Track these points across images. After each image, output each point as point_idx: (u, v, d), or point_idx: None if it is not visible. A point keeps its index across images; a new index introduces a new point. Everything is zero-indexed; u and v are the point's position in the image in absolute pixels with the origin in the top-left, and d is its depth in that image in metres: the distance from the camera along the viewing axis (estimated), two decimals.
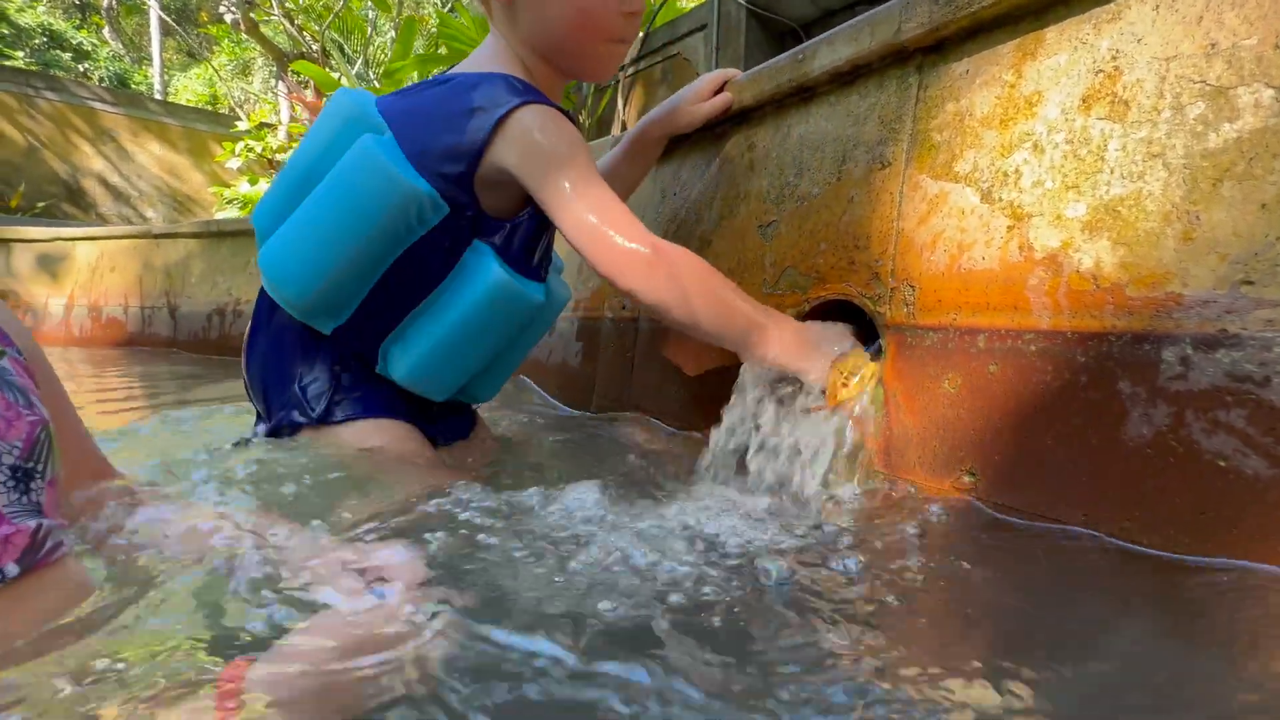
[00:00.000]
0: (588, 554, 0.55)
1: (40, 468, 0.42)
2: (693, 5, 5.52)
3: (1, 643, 0.37)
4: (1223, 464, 0.49)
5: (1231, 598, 0.47)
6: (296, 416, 0.83)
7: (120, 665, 0.36)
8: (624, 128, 4.70)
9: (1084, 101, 0.61)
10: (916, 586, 0.53)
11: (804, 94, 0.91)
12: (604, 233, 0.73)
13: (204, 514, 0.53)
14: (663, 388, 1.11)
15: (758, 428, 0.80)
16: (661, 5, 4.68)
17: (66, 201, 7.55)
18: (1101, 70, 0.60)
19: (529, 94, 0.77)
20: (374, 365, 0.85)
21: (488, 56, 0.86)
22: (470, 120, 0.75)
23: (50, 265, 3.18)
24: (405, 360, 0.82)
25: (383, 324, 0.82)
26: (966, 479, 0.66)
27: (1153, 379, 0.53)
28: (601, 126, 4.78)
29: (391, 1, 6.46)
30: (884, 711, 0.37)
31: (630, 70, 4.71)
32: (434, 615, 0.42)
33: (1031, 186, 0.64)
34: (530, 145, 0.75)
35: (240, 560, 0.46)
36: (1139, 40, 0.57)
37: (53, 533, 0.41)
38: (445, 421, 0.93)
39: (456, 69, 0.88)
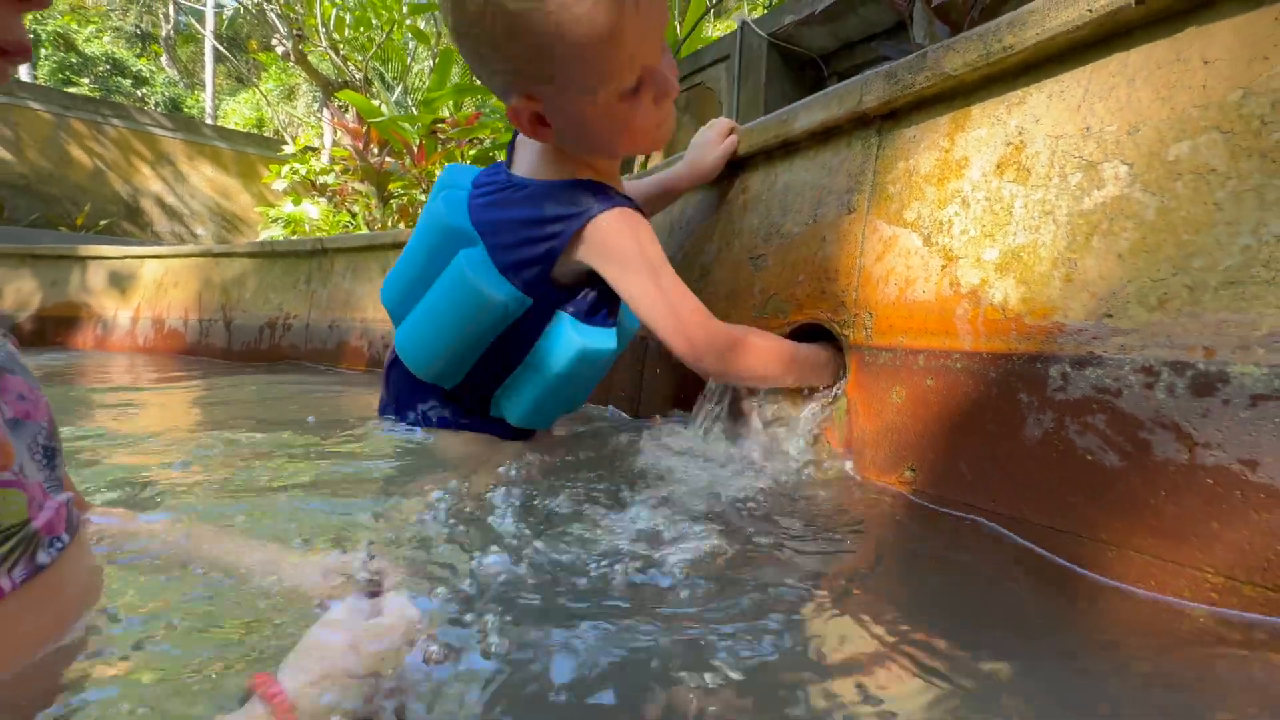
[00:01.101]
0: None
1: (58, 445, 0.45)
2: (717, 36, 5.74)
3: (68, 599, 0.41)
4: (1090, 458, 0.62)
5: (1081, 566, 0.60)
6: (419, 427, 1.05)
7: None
8: (648, 154, 4.90)
9: (998, 167, 0.75)
10: (847, 546, 0.67)
11: (788, 148, 1.07)
12: (683, 325, 0.86)
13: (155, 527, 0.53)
14: (668, 394, 1.26)
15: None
16: (686, 37, 4.90)
17: (126, 220, 8.06)
18: (1010, 143, 0.74)
19: (601, 199, 0.88)
20: (487, 409, 1.03)
21: (550, 160, 0.95)
22: (549, 228, 0.89)
23: (119, 281, 3.48)
24: (514, 409, 1.00)
25: (490, 382, 1.00)
26: (908, 474, 0.80)
27: (1042, 391, 0.67)
28: None
29: (429, 33, 6.83)
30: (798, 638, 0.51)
31: None
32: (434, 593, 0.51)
33: (960, 234, 0.78)
34: (607, 250, 0.88)
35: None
36: (1037, 121, 0.72)
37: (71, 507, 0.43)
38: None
39: (525, 168, 0.97)
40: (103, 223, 7.73)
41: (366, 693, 0.34)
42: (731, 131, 1.16)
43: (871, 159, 0.92)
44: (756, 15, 5.96)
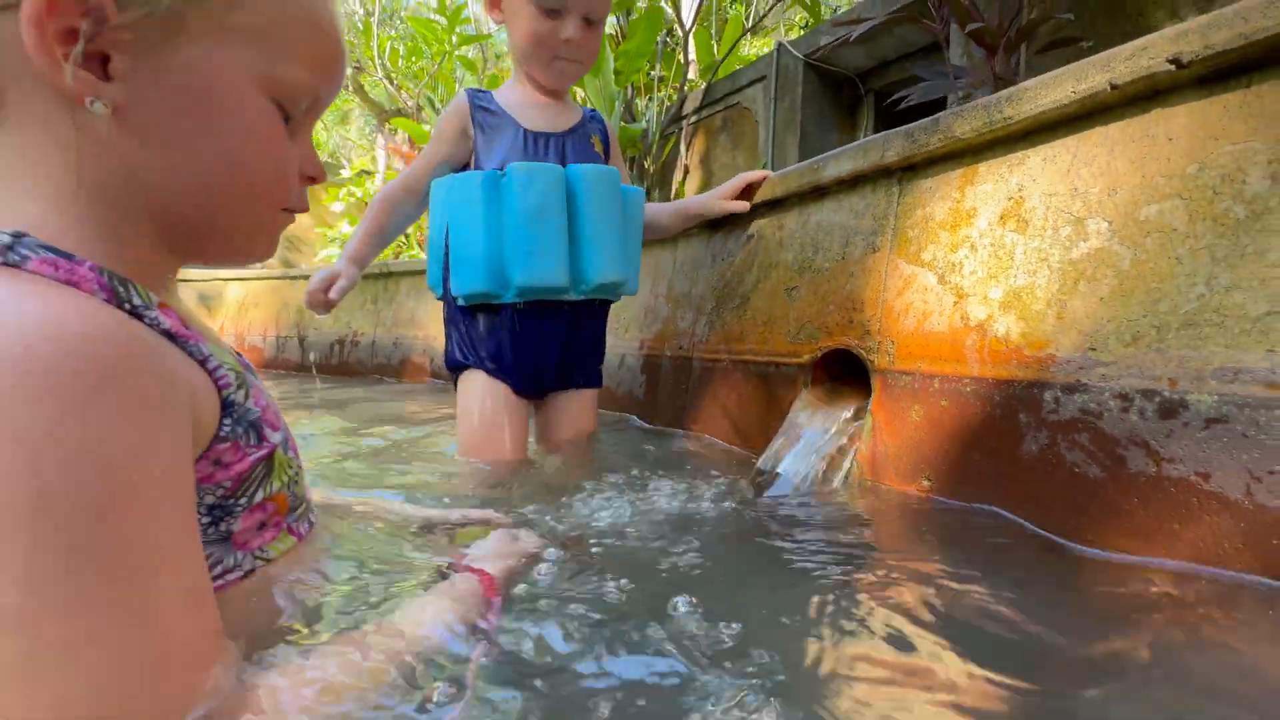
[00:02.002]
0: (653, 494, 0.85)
1: (238, 499, 0.45)
2: (754, 56, 5.88)
3: (317, 550, 0.53)
4: (1077, 470, 0.74)
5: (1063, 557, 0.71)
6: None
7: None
8: (685, 173, 5.07)
9: (1002, 218, 0.87)
10: (879, 546, 0.80)
11: (819, 192, 1.20)
12: None
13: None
14: (710, 412, 1.40)
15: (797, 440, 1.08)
16: (724, 59, 5.05)
17: None
18: (1012, 197, 0.86)
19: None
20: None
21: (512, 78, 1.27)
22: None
23: (207, 301, 3.82)
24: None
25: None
26: (925, 483, 0.92)
27: (1038, 412, 0.78)
28: (665, 170, 5.17)
29: (478, 60, 7.19)
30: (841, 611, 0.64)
31: (693, 119, 5.09)
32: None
33: (969, 274, 0.90)
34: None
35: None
36: (1034, 180, 0.84)
37: (224, 558, 0.44)
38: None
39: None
40: None
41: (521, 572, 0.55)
42: (750, 189, 1.32)
43: (893, 205, 1.05)
44: (793, 36, 6.07)
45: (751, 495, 0.99)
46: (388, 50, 6.99)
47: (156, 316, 0.39)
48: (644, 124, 4.73)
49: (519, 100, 1.20)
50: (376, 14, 7.11)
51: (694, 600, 0.57)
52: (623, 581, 0.61)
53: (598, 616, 0.54)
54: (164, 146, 0.39)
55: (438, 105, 7.48)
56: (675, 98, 5.09)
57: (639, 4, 5.57)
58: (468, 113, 1.18)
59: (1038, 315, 0.81)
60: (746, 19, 5.66)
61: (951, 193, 0.95)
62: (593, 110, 1.30)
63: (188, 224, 0.42)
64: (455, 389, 1.25)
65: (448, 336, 1.25)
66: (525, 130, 1.17)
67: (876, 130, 4.37)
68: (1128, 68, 0.71)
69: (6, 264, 0.34)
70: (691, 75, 5.37)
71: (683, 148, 5.12)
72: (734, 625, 0.54)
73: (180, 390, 0.38)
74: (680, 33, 5.30)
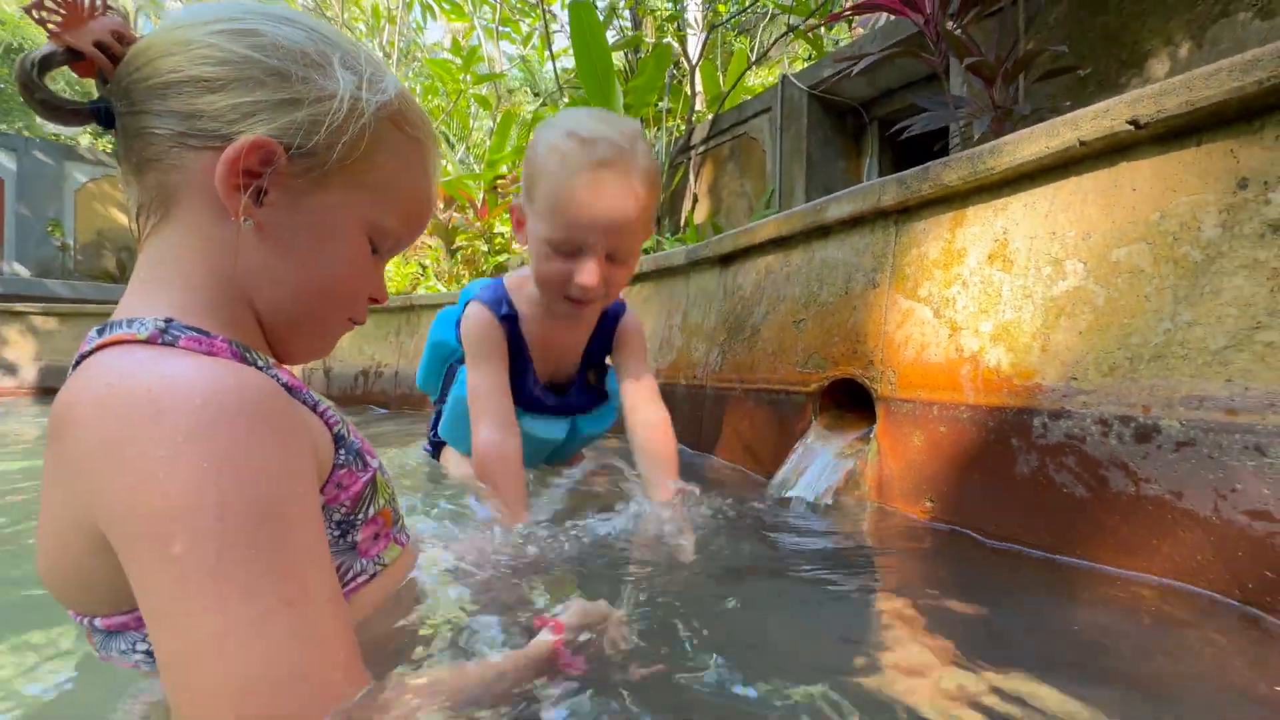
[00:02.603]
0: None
1: (357, 515, 0.53)
2: (760, 87, 6.05)
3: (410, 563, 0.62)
4: (1065, 490, 0.80)
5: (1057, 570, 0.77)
6: None
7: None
8: (695, 201, 5.20)
9: (989, 257, 0.95)
10: (884, 562, 0.86)
11: (823, 231, 1.29)
12: None
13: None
14: (725, 438, 1.47)
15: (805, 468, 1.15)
16: (729, 91, 5.21)
17: None
18: (998, 239, 0.94)
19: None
20: None
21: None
22: None
23: None
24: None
25: None
26: (928, 504, 0.98)
27: (1028, 437, 0.85)
28: (674, 199, 5.31)
29: (490, 97, 7.45)
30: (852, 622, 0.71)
31: (701, 149, 5.24)
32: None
33: (961, 309, 0.98)
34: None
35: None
36: (1017, 224, 0.92)
37: (351, 565, 0.53)
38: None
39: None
40: None
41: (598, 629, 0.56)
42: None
43: (891, 245, 1.13)
44: (797, 68, 6.25)
45: (765, 515, 1.06)
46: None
47: (275, 374, 0.49)
48: (653, 155, 4.89)
49: (537, 318, 1.11)
50: (395, 55, 7.42)
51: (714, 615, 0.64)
52: (649, 596, 0.68)
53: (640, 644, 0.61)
54: (283, 258, 0.50)
55: (452, 140, 7.74)
56: (683, 129, 5.25)
57: (646, 40, 5.78)
58: (496, 324, 1.08)
59: (1025, 347, 0.88)
60: (751, 52, 5.85)
61: (943, 234, 1.03)
62: (617, 312, 1.18)
63: (283, 321, 0.52)
64: (436, 459, 1.32)
65: (437, 414, 1.29)
66: (536, 380, 1.16)
67: (881, 156, 4.47)
68: (1093, 127, 0.79)
69: (164, 342, 0.44)
70: (699, 107, 5.54)
71: (691, 177, 5.26)
72: (749, 633, 0.61)
73: (302, 425, 0.47)
74: (687, 66, 5.49)
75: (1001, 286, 0.92)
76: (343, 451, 0.52)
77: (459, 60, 6.40)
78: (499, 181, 5.57)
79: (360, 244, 0.54)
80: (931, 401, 1.00)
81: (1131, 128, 0.76)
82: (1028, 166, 0.88)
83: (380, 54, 7.44)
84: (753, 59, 5.56)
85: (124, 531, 0.38)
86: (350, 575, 0.53)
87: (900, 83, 4.22)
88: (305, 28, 0.52)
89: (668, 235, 4.47)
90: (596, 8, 4.56)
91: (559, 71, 6.10)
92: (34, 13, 0.48)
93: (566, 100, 5.47)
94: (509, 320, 1.09)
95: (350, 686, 0.40)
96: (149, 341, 0.44)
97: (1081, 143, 0.81)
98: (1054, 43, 2.80)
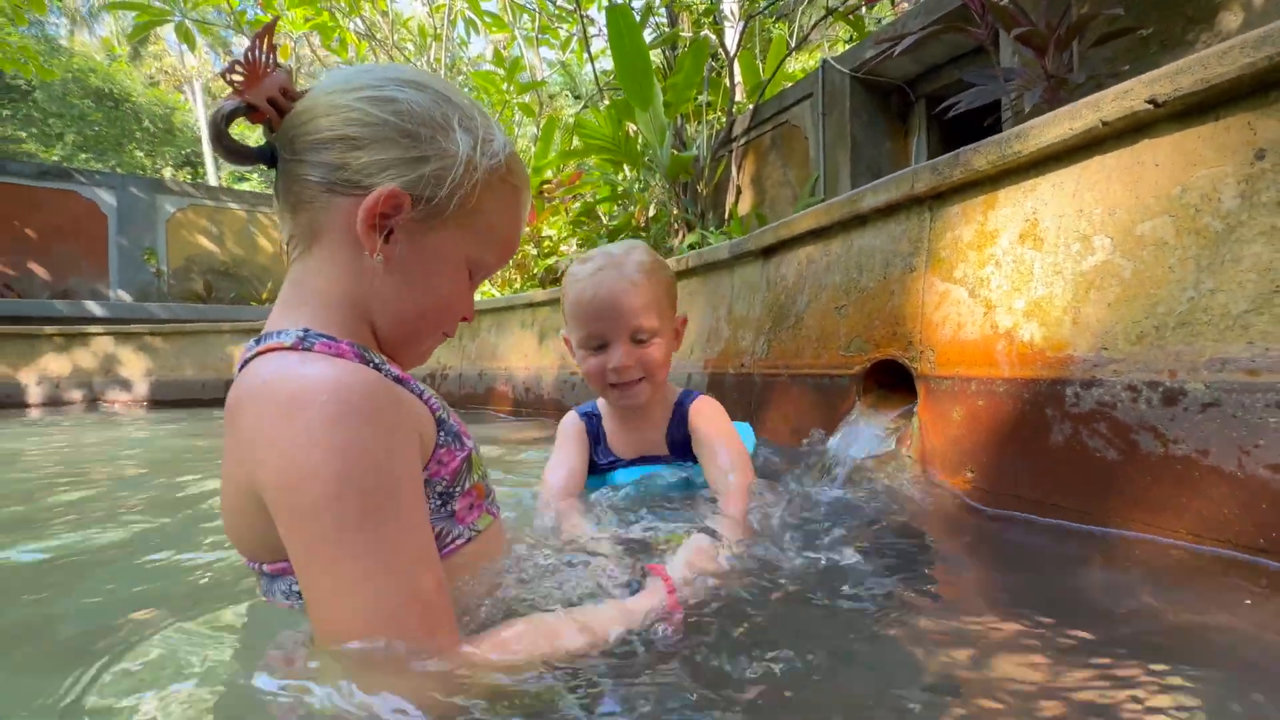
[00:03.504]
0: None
1: (455, 487, 0.63)
2: (801, 73, 5.98)
3: (500, 538, 0.70)
4: (1097, 456, 0.84)
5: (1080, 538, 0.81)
6: None
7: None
8: (738, 193, 5.22)
9: (1021, 237, 0.99)
10: (924, 529, 0.92)
11: (860, 220, 1.34)
12: None
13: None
14: (774, 422, 1.54)
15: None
16: (770, 79, 5.19)
17: None
18: (1028, 219, 0.98)
19: None
20: None
21: None
22: None
23: None
24: None
25: None
26: (969, 475, 1.03)
27: (1062, 406, 0.89)
28: (717, 192, 5.34)
29: (534, 104, 7.67)
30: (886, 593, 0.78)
31: (742, 140, 5.25)
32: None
33: (995, 288, 1.02)
34: None
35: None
36: (1045, 204, 0.96)
37: (449, 530, 0.62)
38: None
39: None
40: None
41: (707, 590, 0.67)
42: None
43: (926, 230, 1.18)
44: (838, 51, 6.14)
45: (815, 489, 1.13)
46: None
47: (389, 369, 0.61)
48: (695, 150, 4.94)
49: (614, 416, 1.23)
50: (441, 71, 7.73)
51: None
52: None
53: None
54: (400, 285, 0.62)
55: None
56: (724, 121, 5.28)
57: (684, 35, 5.82)
58: (578, 420, 1.24)
59: (1056, 321, 0.92)
60: (790, 38, 5.80)
61: (976, 216, 1.07)
62: (684, 399, 1.22)
63: (394, 335, 0.64)
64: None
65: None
66: (618, 461, 1.23)
67: (929, 134, 4.37)
68: (1114, 107, 0.83)
69: (304, 348, 0.56)
70: (739, 98, 5.55)
71: (734, 169, 5.28)
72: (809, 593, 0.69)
73: (412, 418, 0.58)
74: (725, 57, 5.50)
75: (1033, 264, 0.97)
76: (443, 433, 0.62)
77: (502, 71, 6.61)
78: (544, 186, 5.75)
79: (462, 274, 0.65)
80: (969, 377, 1.05)
81: (1151, 107, 0.79)
82: (1054, 148, 0.92)
83: (428, 70, 7.77)
84: (792, 45, 5.50)
85: (272, 500, 0.50)
86: (450, 539, 0.63)
87: (947, 57, 4.11)
88: (432, 92, 0.62)
89: (712, 229, 4.52)
90: (633, 9, 4.65)
91: (598, 73, 6.21)
92: (226, 76, 0.60)
93: (606, 102, 5.59)
94: (589, 418, 1.25)
95: (439, 636, 0.50)
96: (293, 348, 0.56)
97: (1104, 123, 0.85)
98: (1109, 5, 2.69)
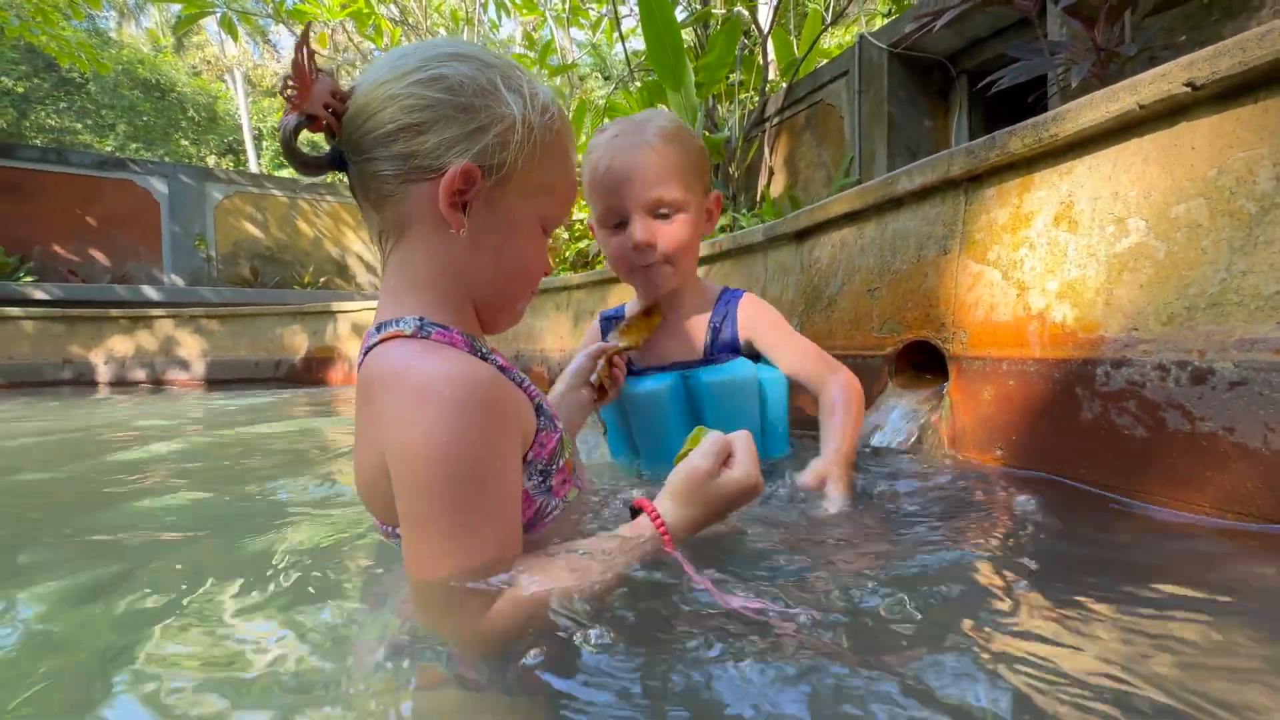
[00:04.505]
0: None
1: (552, 465, 0.69)
2: (837, 49, 5.85)
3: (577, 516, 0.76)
4: (1126, 432, 0.87)
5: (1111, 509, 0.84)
6: None
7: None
8: (770, 175, 5.17)
9: (1055, 220, 1.01)
10: (961, 499, 0.96)
11: (895, 203, 1.36)
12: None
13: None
14: (806, 400, 1.58)
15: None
16: (805, 56, 5.10)
17: (338, 276, 9.89)
18: (1063, 202, 1.00)
19: None
20: None
21: None
22: None
23: (359, 329, 4.47)
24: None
25: None
26: (998, 452, 1.07)
27: (1092, 385, 0.92)
28: (749, 174, 5.30)
29: (564, 88, 7.67)
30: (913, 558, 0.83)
31: (775, 120, 5.19)
32: None
33: (1029, 270, 1.04)
34: None
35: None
36: (1081, 186, 0.97)
37: (548, 504, 0.69)
38: None
39: None
40: (321, 279, 9.57)
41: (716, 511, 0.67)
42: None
43: (960, 212, 1.19)
44: (876, 26, 5.97)
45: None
46: None
47: (495, 359, 0.67)
48: (726, 130, 4.90)
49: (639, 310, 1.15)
50: None
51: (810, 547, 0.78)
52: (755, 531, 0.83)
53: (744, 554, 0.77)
54: (486, 254, 0.67)
55: None
56: (756, 101, 5.21)
57: (716, 13, 5.74)
58: (597, 333, 1.19)
59: (1089, 303, 0.94)
60: (826, 12, 5.66)
61: (1011, 199, 1.09)
62: (726, 297, 1.14)
63: (490, 303, 0.70)
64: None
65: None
66: (635, 364, 1.14)
67: (971, 113, 4.25)
68: (1152, 90, 0.84)
69: (422, 336, 0.62)
70: (772, 76, 5.47)
71: (766, 150, 5.23)
72: (847, 567, 0.75)
73: (517, 409, 0.64)
74: (758, 34, 5.42)
75: (1067, 247, 0.98)
76: (542, 418, 0.68)
77: (533, 54, 6.64)
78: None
79: (537, 231, 0.69)
80: (1001, 358, 1.07)
81: (1189, 89, 0.80)
82: (1090, 131, 0.93)
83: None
84: (828, 20, 5.39)
85: (395, 473, 0.57)
86: (548, 510, 0.69)
87: (991, 30, 3.98)
88: (472, 60, 0.64)
89: (744, 211, 4.51)
90: None
91: (629, 54, 6.18)
92: (283, 93, 0.64)
93: (638, 84, 5.57)
94: (608, 320, 1.19)
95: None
96: (413, 335, 0.62)
97: (1141, 106, 0.86)
98: None
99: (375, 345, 0.63)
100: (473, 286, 0.68)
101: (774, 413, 1.14)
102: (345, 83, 0.65)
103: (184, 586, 0.72)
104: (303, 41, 0.61)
